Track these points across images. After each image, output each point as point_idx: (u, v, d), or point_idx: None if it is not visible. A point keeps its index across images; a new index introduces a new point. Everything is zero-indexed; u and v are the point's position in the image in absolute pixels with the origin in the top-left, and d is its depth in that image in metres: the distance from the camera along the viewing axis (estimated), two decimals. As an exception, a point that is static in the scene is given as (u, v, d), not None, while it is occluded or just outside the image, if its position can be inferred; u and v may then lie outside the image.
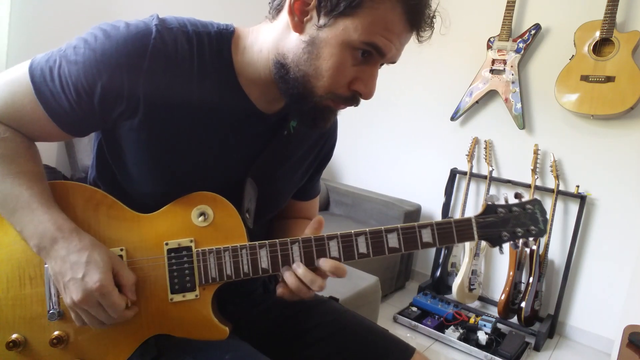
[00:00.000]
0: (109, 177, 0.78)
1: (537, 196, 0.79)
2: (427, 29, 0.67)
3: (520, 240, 0.76)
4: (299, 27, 0.66)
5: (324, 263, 0.72)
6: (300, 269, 0.72)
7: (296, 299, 0.75)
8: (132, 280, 0.70)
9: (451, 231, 0.73)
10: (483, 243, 2.48)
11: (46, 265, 0.71)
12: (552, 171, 2.33)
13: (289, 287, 0.73)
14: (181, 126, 0.71)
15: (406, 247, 0.73)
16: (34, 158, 0.73)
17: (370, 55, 0.66)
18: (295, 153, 0.85)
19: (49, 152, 1.99)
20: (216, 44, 0.71)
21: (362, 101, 0.71)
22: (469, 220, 0.74)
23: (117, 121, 0.70)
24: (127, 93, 0.67)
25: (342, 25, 0.63)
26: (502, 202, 0.76)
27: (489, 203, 0.76)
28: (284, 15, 0.68)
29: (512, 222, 0.75)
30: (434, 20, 0.67)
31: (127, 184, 0.76)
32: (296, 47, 0.67)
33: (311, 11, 0.65)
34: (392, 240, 0.73)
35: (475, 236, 0.74)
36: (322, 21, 0.64)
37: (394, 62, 0.69)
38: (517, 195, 0.78)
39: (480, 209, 0.76)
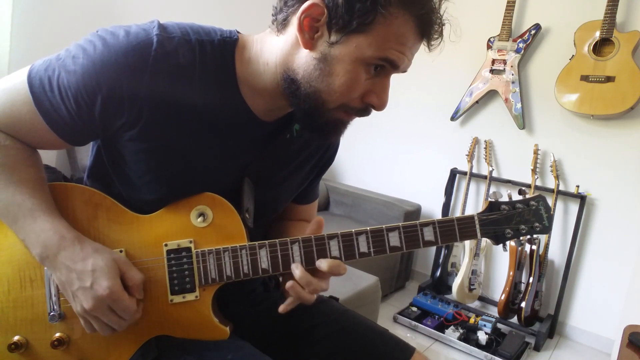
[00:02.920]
0: (106, 184, 0.77)
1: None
2: (437, 37, 0.67)
3: (526, 237, 0.75)
4: (309, 43, 0.65)
5: (322, 264, 0.72)
6: (297, 270, 0.72)
7: (298, 302, 0.75)
8: (140, 279, 0.70)
9: (453, 229, 0.73)
10: (483, 243, 2.48)
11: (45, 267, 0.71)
12: (552, 171, 2.33)
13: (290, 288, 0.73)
14: (182, 136, 0.71)
15: (408, 246, 0.73)
16: (35, 165, 0.72)
17: (383, 69, 0.67)
18: (296, 157, 0.85)
19: (49, 152, 1.98)
20: (220, 54, 0.70)
21: None
22: (471, 217, 0.74)
23: (118, 132, 0.69)
24: (128, 105, 0.66)
25: (354, 42, 0.63)
26: (506, 198, 0.76)
27: (492, 200, 0.75)
28: (292, 30, 0.67)
29: (515, 219, 0.74)
30: (443, 27, 0.67)
31: (127, 191, 0.76)
32: (306, 63, 0.67)
33: (321, 27, 0.64)
34: (394, 239, 0.73)
35: (478, 234, 0.73)
36: (333, 38, 0.64)
37: (405, 72, 0.69)
38: (520, 192, 0.77)
39: (482, 208, 0.75)
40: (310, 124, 0.72)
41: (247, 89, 0.73)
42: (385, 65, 0.66)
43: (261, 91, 0.73)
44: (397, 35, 0.63)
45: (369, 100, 0.69)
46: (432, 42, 0.67)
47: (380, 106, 0.69)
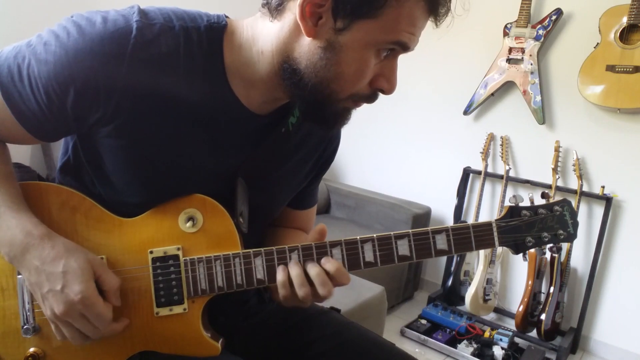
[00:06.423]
0: (84, 183, 0.77)
1: (558, 197, 0.78)
2: (445, 14, 0.68)
3: (547, 245, 0.75)
4: (312, 31, 0.66)
5: (327, 264, 0.72)
6: (295, 268, 0.72)
7: (289, 305, 0.75)
8: (116, 284, 0.70)
9: (469, 237, 0.73)
10: (499, 249, 2.48)
11: (19, 276, 0.70)
12: (574, 170, 2.33)
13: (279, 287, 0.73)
14: (166, 131, 0.70)
15: (418, 255, 0.73)
16: (1, 157, 0.72)
17: (392, 51, 0.68)
18: (294, 155, 0.85)
19: (23, 149, 1.98)
20: (207, 42, 0.70)
21: None
22: (489, 224, 0.73)
23: (94, 127, 0.69)
24: (104, 98, 0.66)
25: (364, 28, 0.64)
26: (527, 203, 0.76)
27: (512, 204, 0.75)
28: (289, 16, 0.67)
29: (537, 226, 0.74)
30: (450, 1, 0.69)
31: (107, 193, 0.75)
32: (310, 52, 0.67)
33: (325, 13, 0.64)
34: (403, 248, 0.73)
35: (496, 242, 0.73)
36: (340, 24, 0.64)
37: (412, 50, 0.70)
38: (544, 195, 0.77)
39: (498, 212, 0.75)
40: (315, 115, 0.73)
41: (238, 80, 0.73)
42: (396, 48, 0.67)
43: (255, 82, 0.73)
44: (408, 17, 0.64)
45: (378, 85, 0.70)
46: (440, 19, 0.68)
47: (390, 90, 0.71)
